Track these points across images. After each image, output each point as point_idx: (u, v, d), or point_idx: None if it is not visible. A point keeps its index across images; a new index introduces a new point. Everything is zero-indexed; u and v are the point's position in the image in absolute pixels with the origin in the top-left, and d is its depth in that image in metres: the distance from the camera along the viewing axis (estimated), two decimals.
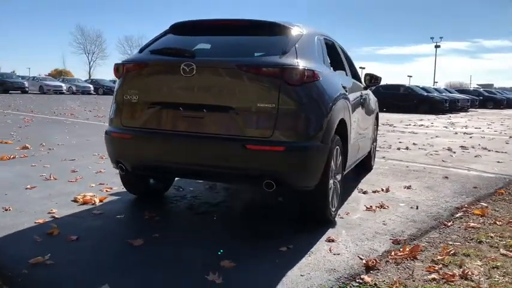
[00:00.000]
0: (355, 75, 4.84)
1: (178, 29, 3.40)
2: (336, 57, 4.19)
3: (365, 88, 4.96)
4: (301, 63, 2.88)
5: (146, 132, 3.05)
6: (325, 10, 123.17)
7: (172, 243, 2.80)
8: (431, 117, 19.71)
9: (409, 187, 4.69)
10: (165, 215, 3.45)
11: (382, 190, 4.49)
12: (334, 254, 2.71)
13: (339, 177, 3.48)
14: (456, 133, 11.66)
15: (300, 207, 3.33)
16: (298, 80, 2.80)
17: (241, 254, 2.65)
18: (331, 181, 3.22)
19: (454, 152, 7.70)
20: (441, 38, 64.45)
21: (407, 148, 8.09)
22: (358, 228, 3.24)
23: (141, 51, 3.27)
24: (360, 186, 4.65)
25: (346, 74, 4.16)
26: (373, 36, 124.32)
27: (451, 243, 3.04)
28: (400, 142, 8.99)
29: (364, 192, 4.37)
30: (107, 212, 3.39)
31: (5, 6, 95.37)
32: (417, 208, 3.86)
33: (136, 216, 3.36)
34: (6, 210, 3.35)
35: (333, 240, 2.94)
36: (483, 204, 4.15)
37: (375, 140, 5.87)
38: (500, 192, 4.63)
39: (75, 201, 3.64)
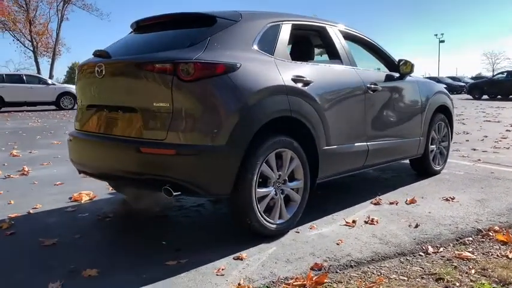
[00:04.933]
0: (382, 63, 4.11)
1: (135, 27, 3.36)
2: (328, 46, 3.59)
3: (400, 77, 4.13)
4: (205, 56, 2.56)
5: (80, 134, 3.12)
6: None
7: (77, 246, 2.79)
8: None
9: (451, 199, 3.75)
10: (120, 217, 3.45)
11: (406, 201, 3.69)
12: (217, 275, 2.34)
13: (295, 184, 2.99)
14: None
15: None
16: (193, 74, 2.49)
17: (120, 264, 2.49)
18: (265, 190, 2.79)
19: None
20: None
21: None
22: (298, 246, 2.73)
23: None
24: (385, 195, 3.91)
25: (342, 63, 3.52)
26: None
27: (393, 276, 2.34)
28: None
29: (376, 203, 3.66)
30: (78, 210, 3.55)
31: None
32: (416, 227, 3.06)
33: (93, 215, 3.43)
34: (9, 203, 3.79)
35: (240, 259, 2.54)
36: None
37: (442, 141, 4.84)
38: None
39: (71, 198, 3.92)
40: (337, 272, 2.40)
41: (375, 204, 3.65)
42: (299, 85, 2.95)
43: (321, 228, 3.05)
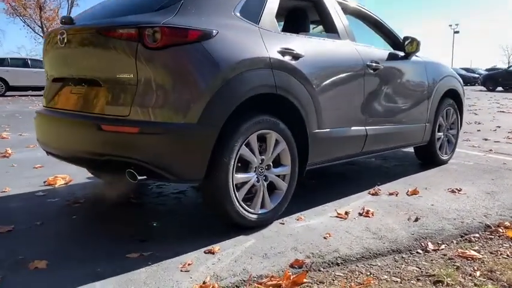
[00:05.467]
0: (386, 39, 3.77)
1: None
2: (324, 18, 3.23)
3: (405, 56, 3.77)
4: (176, 21, 2.24)
5: (46, 111, 2.83)
6: None
7: (34, 233, 2.51)
8: None
9: (457, 191, 3.41)
10: (91, 203, 3.15)
11: (407, 192, 3.35)
12: (181, 271, 2.04)
13: (280, 170, 2.67)
14: None
15: None
16: (160, 41, 2.17)
17: (75, 255, 2.20)
18: (245, 175, 2.47)
19: None
20: None
21: None
22: (280, 239, 2.42)
23: None
24: (385, 185, 3.58)
25: (339, 37, 3.17)
26: None
27: (385, 277, 2.02)
28: None
29: (374, 194, 3.32)
30: (48, 195, 3.28)
31: None
32: (416, 221, 2.73)
33: (63, 200, 3.14)
34: None
35: (212, 253, 2.24)
36: None
37: (450, 128, 4.48)
38: None
39: (45, 181, 3.65)
40: (320, 271, 2.09)
41: (373, 194, 3.32)
42: (287, 59, 2.61)
43: (308, 220, 2.73)
